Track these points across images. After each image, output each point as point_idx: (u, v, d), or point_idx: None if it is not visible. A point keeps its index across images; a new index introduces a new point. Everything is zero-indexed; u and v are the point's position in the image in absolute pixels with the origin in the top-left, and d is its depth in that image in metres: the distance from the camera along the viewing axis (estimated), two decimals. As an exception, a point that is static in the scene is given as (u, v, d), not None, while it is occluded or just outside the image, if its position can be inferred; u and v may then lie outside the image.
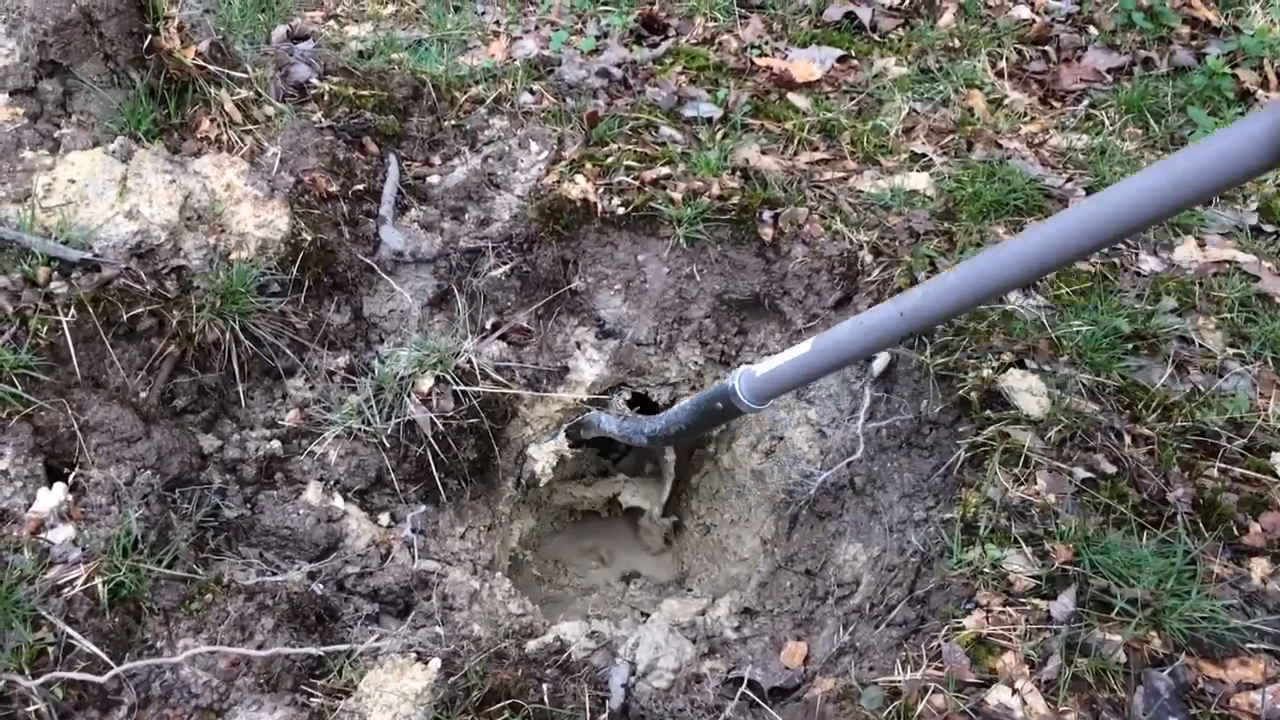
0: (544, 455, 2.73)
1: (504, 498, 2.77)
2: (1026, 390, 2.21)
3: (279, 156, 2.58)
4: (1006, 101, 3.37)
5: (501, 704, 1.90)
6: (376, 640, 2.01)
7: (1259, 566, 1.93)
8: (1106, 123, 3.30)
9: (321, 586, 2.11)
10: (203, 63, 2.55)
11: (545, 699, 1.96)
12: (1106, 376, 2.26)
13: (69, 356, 2.06)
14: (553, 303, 2.81)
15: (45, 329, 2.03)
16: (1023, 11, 3.73)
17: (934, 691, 1.74)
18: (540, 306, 2.79)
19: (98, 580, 1.81)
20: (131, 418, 2.09)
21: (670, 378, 2.89)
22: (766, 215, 2.70)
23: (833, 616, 2.29)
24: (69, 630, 1.74)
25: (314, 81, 2.87)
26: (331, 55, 3.09)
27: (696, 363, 2.85)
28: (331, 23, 3.71)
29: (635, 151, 2.89)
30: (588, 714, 1.99)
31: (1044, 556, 1.91)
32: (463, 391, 2.42)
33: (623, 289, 2.81)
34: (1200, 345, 2.40)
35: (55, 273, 2.11)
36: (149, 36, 2.42)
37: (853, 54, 3.57)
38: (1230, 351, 2.39)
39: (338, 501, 2.29)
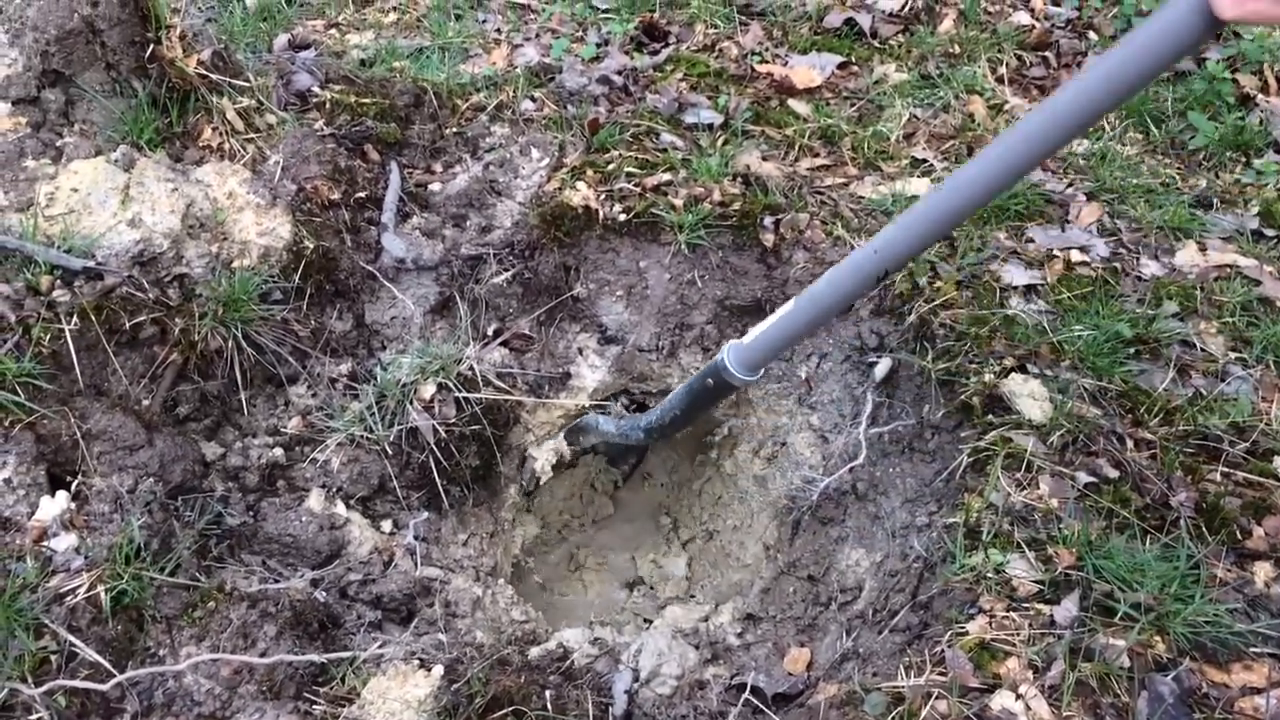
0: (543, 454, 2.73)
1: (506, 504, 2.77)
2: (1028, 395, 2.21)
3: (281, 164, 2.58)
4: (1007, 107, 3.38)
5: (504, 711, 1.90)
6: (379, 647, 2.01)
7: (1262, 570, 1.93)
8: (1107, 128, 3.30)
9: (324, 594, 2.11)
10: (205, 71, 2.56)
11: (548, 706, 1.96)
12: (1108, 381, 2.25)
13: (72, 365, 2.07)
14: (554, 309, 2.81)
15: (48, 337, 2.03)
16: (1023, 17, 3.74)
17: (937, 697, 1.73)
18: (542, 313, 2.79)
19: (100, 588, 1.81)
20: (134, 426, 2.09)
21: (673, 384, 2.89)
22: (768, 221, 2.70)
23: (836, 622, 2.29)
24: (71, 638, 1.74)
25: (316, 90, 2.88)
26: (333, 63, 3.10)
27: (699, 368, 2.85)
28: (333, 31, 3.72)
29: (636, 158, 2.89)
30: (591, 721, 1.99)
31: (1047, 561, 1.91)
32: (465, 398, 2.42)
33: (624, 295, 2.81)
34: (1202, 349, 2.40)
35: (58, 281, 2.11)
36: (151, 45, 2.43)
37: (853, 60, 3.58)
38: (1232, 355, 2.39)
39: (340, 509, 2.29)
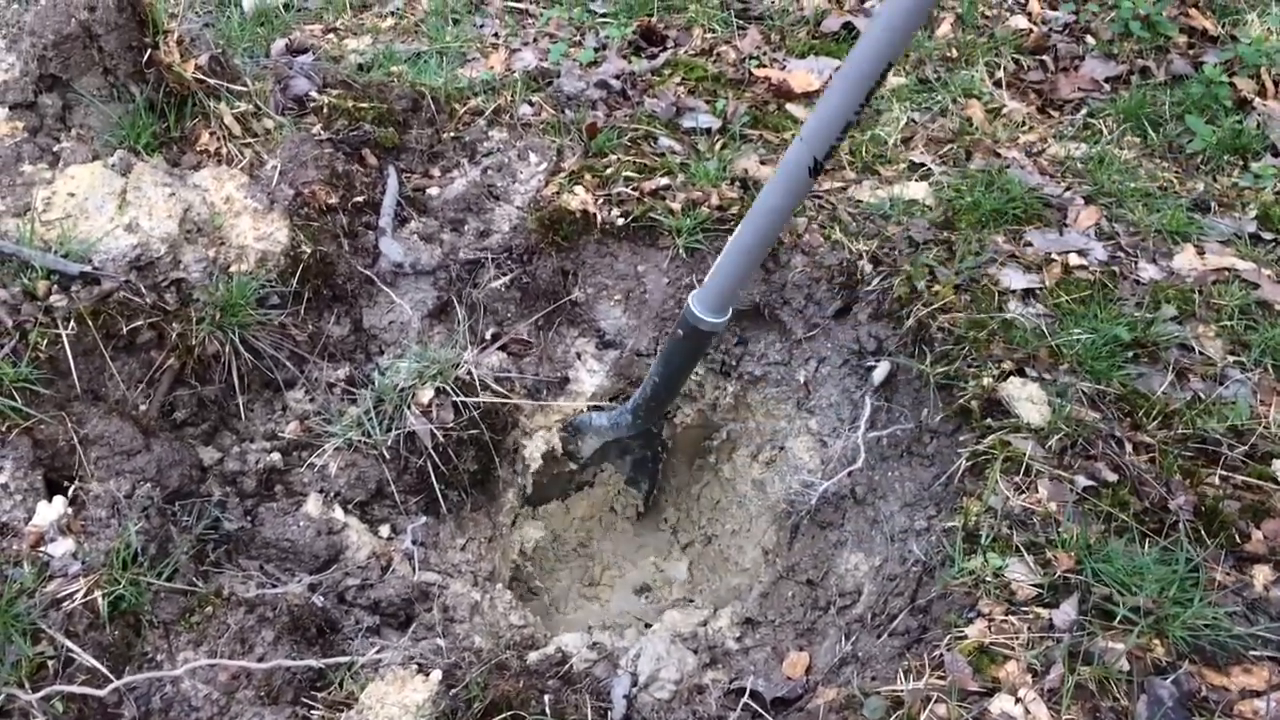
0: (533, 444, 2.74)
1: (505, 509, 2.77)
2: (1027, 398, 2.21)
3: (278, 169, 2.58)
4: (1004, 111, 3.38)
5: (503, 715, 1.90)
6: (377, 652, 2.01)
7: (1261, 574, 1.93)
8: (1104, 131, 3.30)
9: (322, 599, 2.11)
10: (202, 76, 2.56)
11: (547, 710, 1.96)
12: (1107, 384, 2.25)
13: (69, 370, 2.06)
14: (553, 313, 2.81)
15: (45, 342, 2.03)
16: (1020, 21, 3.75)
17: (936, 701, 1.73)
18: (540, 317, 2.79)
19: (98, 593, 1.81)
20: (131, 431, 2.09)
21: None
22: (766, 225, 2.70)
23: (835, 626, 2.28)
24: (69, 644, 1.74)
25: (313, 94, 2.88)
26: (331, 68, 3.10)
27: (697, 373, 2.85)
28: (331, 36, 3.72)
29: (634, 162, 2.89)
30: (589, 726, 1.98)
31: (1046, 565, 1.91)
32: (463, 403, 2.41)
33: (623, 299, 2.81)
34: (1200, 353, 2.40)
35: (55, 286, 2.11)
36: (148, 50, 2.43)
37: (851, 64, 3.58)
38: (1230, 359, 2.39)
39: (338, 513, 2.28)
